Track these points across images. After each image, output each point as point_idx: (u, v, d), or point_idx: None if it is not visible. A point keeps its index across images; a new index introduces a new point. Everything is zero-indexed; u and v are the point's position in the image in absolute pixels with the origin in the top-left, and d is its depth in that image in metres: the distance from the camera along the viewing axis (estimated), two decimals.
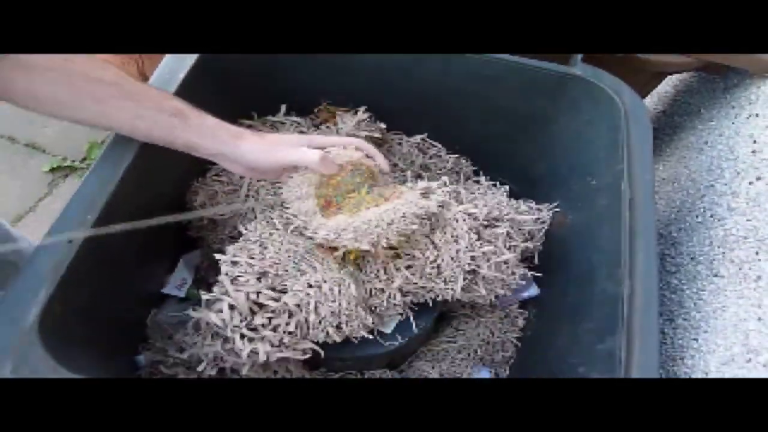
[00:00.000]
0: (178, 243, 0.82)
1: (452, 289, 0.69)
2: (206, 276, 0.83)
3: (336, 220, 0.64)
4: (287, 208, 0.67)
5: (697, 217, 0.83)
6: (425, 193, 0.67)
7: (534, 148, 0.84)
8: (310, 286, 0.64)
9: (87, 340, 0.58)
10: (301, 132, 0.80)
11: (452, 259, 0.69)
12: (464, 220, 0.70)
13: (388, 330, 0.73)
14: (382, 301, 0.69)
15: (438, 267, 0.69)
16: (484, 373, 0.84)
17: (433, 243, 0.69)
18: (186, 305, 0.81)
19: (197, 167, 0.79)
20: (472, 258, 0.69)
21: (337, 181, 0.66)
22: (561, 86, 0.75)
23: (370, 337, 0.69)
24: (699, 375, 0.66)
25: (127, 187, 0.60)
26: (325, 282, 0.64)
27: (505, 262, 0.71)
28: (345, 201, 0.66)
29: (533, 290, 0.83)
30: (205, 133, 0.61)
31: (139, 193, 0.64)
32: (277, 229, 0.69)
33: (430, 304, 0.74)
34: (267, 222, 0.71)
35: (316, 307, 0.63)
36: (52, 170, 1.68)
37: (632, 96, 0.71)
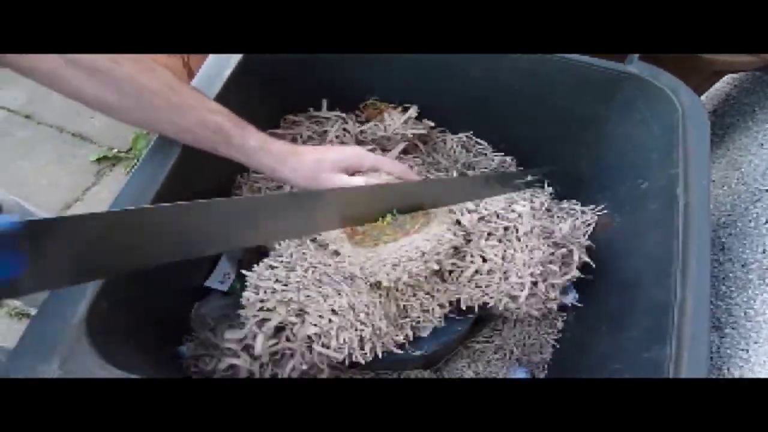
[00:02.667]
0: None
1: (510, 297, 0.69)
2: (249, 269, 0.84)
3: (359, 251, 0.64)
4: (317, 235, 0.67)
5: (749, 222, 0.80)
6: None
7: (582, 148, 0.83)
8: (334, 312, 0.63)
9: (132, 335, 0.60)
10: (345, 130, 0.81)
11: (518, 271, 0.68)
12: (539, 235, 0.70)
13: (424, 334, 0.73)
14: (419, 316, 0.69)
15: (503, 276, 0.69)
16: (521, 374, 0.83)
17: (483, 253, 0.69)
18: (229, 299, 0.83)
19: (239, 165, 0.80)
20: (540, 273, 0.69)
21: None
22: (616, 85, 0.73)
23: (406, 343, 0.69)
24: None
25: (173, 182, 0.61)
26: (352, 308, 0.63)
27: (554, 285, 0.71)
28: (367, 229, 0.65)
29: (572, 296, 0.82)
30: (247, 155, 0.62)
31: (185, 188, 0.65)
32: (309, 249, 0.69)
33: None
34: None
35: (337, 335, 0.62)
36: (99, 160, 1.72)
37: (691, 96, 0.69)
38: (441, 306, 0.71)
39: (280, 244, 0.69)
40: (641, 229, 0.71)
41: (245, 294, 0.65)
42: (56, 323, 0.50)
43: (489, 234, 0.70)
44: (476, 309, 0.72)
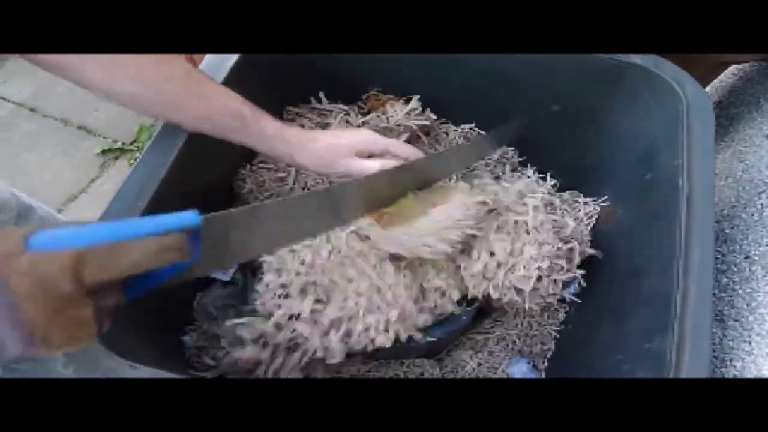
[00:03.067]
0: None
1: (515, 290, 0.69)
2: (252, 261, 0.84)
3: (393, 232, 0.63)
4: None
5: (753, 214, 0.80)
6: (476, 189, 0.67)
7: (585, 139, 0.82)
8: (359, 294, 0.63)
9: (135, 323, 0.60)
10: (348, 122, 0.81)
11: (526, 264, 0.68)
12: (549, 230, 0.70)
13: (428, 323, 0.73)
14: (436, 300, 0.69)
15: (510, 269, 0.69)
16: (523, 365, 0.83)
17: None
18: (231, 289, 0.83)
19: (245, 154, 0.80)
20: (546, 268, 0.69)
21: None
22: (619, 75, 0.72)
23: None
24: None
25: (176, 174, 0.62)
26: (378, 289, 0.64)
27: (556, 281, 0.70)
28: (393, 209, 0.65)
29: (573, 288, 0.82)
30: (263, 142, 0.63)
31: (188, 180, 0.65)
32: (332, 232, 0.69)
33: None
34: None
35: (364, 317, 0.62)
36: (103, 152, 1.73)
37: (695, 87, 0.68)
38: (459, 290, 0.71)
39: None
40: (644, 220, 0.71)
41: (266, 278, 0.65)
42: None
43: (498, 227, 0.70)
44: (480, 299, 0.72)
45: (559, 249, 0.71)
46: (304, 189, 0.77)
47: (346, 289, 0.63)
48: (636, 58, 0.70)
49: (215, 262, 0.45)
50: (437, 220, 0.63)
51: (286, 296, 0.64)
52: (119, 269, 0.34)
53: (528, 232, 0.70)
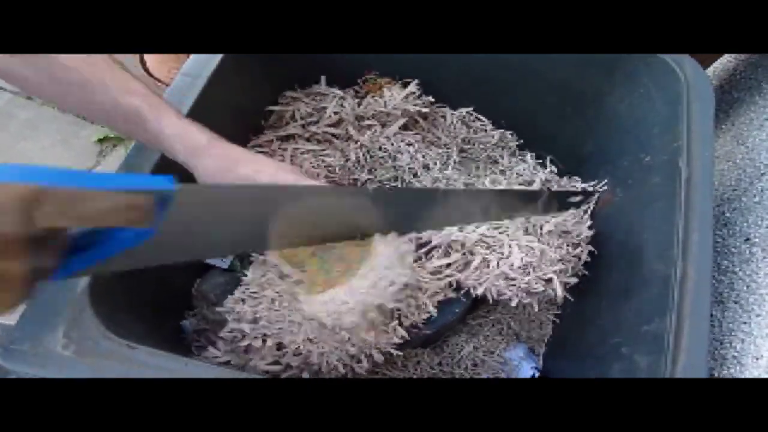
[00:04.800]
0: None
1: (526, 293, 0.69)
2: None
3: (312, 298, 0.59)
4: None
5: (754, 196, 0.80)
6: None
7: (584, 123, 0.82)
8: (310, 341, 0.61)
9: (134, 306, 0.60)
10: (343, 106, 0.80)
11: (542, 266, 0.68)
12: (559, 235, 0.69)
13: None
14: (413, 313, 0.68)
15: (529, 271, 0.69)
16: (521, 350, 0.83)
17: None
18: (229, 275, 0.83)
19: (240, 138, 0.80)
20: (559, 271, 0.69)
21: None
22: (618, 58, 0.72)
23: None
24: (749, 360, 0.64)
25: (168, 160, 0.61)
26: (332, 329, 0.60)
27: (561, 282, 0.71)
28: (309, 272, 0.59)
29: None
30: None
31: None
32: (273, 276, 0.66)
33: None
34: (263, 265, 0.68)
35: (324, 361, 0.60)
36: (101, 140, 1.73)
37: (695, 68, 0.68)
38: (432, 296, 0.70)
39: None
40: (644, 203, 0.70)
41: (226, 330, 0.64)
42: (60, 293, 0.51)
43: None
44: (491, 301, 0.72)
45: (568, 253, 0.71)
46: None
47: (297, 337, 0.60)
48: None
49: (174, 248, 0.40)
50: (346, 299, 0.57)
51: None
52: (79, 216, 0.30)
53: (542, 235, 0.70)
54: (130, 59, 1.88)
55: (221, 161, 0.52)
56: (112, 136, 1.72)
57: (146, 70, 1.83)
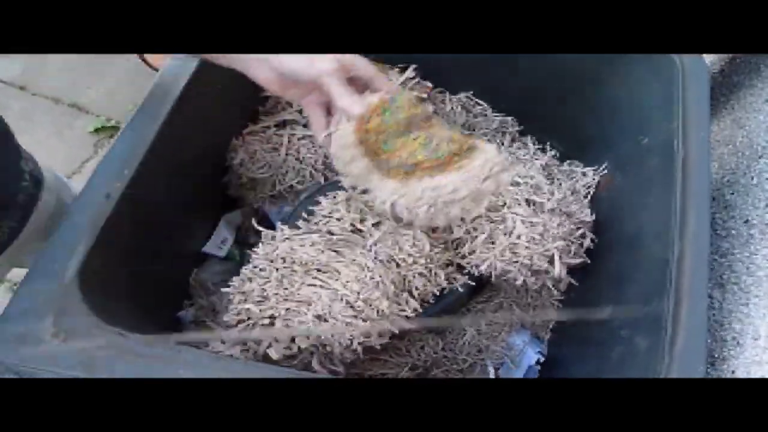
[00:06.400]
0: (219, 202, 0.83)
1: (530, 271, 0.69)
2: (247, 236, 0.84)
3: (392, 185, 0.57)
4: (343, 177, 0.60)
5: (752, 179, 0.79)
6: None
7: (584, 107, 0.81)
8: (319, 317, 0.59)
9: (127, 295, 0.60)
10: None
11: (545, 243, 0.68)
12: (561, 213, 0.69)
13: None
14: (424, 285, 0.67)
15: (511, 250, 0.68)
16: (524, 336, 0.83)
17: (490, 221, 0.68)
18: (227, 264, 0.83)
19: (236, 124, 0.79)
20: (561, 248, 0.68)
21: (377, 124, 0.56)
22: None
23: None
24: (748, 340, 0.64)
25: (164, 143, 0.60)
26: (345, 301, 0.60)
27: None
28: (394, 149, 0.56)
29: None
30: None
31: (177, 149, 0.64)
32: (296, 235, 0.64)
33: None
34: (285, 229, 0.66)
35: (334, 341, 0.59)
36: (97, 131, 1.71)
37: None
38: (443, 268, 0.70)
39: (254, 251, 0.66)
40: (642, 186, 0.70)
41: (226, 317, 0.62)
42: (48, 281, 0.50)
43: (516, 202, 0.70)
44: (492, 277, 0.71)
45: (571, 233, 0.71)
46: (297, 159, 0.76)
47: (306, 317, 0.59)
48: None
49: None
50: (453, 183, 0.55)
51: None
52: None
53: (543, 212, 0.70)
54: None
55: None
56: (108, 126, 1.71)
57: (142, 56, 1.82)
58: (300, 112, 0.79)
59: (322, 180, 0.77)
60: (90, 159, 1.67)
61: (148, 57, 1.81)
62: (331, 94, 0.55)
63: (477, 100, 0.87)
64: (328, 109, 0.60)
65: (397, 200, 0.57)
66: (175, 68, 0.64)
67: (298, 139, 0.77)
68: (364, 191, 0.60)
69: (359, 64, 0.57)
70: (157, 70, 1.77)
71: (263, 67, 0.57)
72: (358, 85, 0.58)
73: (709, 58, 1.18)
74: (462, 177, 0.56)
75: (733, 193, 0.83)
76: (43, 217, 0.68)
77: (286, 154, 0.76)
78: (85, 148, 1.69)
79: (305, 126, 0.79)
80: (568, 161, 0.86)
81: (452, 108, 0.85)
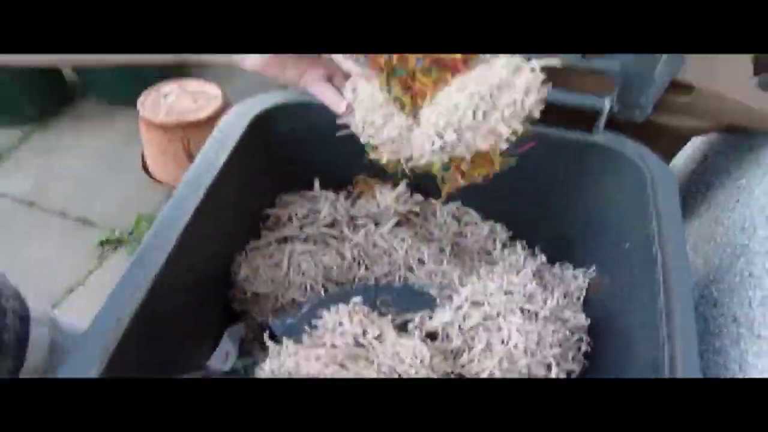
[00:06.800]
0: (224, 316, 0.85)
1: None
2: (251, 348, 0.85)
3: (431, 121, 0.52)
4: (381, 150, 0.56)
5: (735, 276, 0.83)
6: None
7: (566, 212, 0.86)
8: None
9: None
10: (335, 208, 0.85)
11: (541, 351, 0.70)
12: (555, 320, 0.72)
13: None
14: None
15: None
16: None
17: None
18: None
19: (240, 241, 0.83)
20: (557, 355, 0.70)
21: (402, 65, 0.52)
22: (585, 154, 0.77)
23: None
24: None
25: (173, 266, 0.63)
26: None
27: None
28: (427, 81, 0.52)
29: None
30: None
31: (186, 271, 0.67)
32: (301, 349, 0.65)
33: None
34: (289, 345, 0.66)
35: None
36: (102, 243, 1.77)
37: (656, 161, 0.73)
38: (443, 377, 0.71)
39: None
40: (628, 289, 0.73)
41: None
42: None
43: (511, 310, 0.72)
44: None
45: (566, 337, 0.73)
46: (298, 274, 0.80)
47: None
48: (599, 138, 0.75)
49: None
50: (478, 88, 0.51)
51: None
52: None
53: (537, 320, 0.72)
54: (133, 158, 1.96)
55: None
56: (113, 238, 1.77)
57: (146, 170, 1.91)
58: (300, 227, 0.83)
59: (322, 292, 0.80)
60: (95, 270, 1.71)
61: (153, 171, 1.91)
62: (335, 58, 0.54)
63: (466, 209, 0.92)
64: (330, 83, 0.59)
65: (443, 128, 0.51)
66: (185, 194, 0.68)
67: (299, 255, 0.80)
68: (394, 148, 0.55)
69: None
70: (160, 182, 1.87)
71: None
72: None
73: (681, 159, 1.25)
74: (483, 67, 0.52)
75: (720, 291, 0.86)
76: (39, 354, 0.68)
77: (288, 269, 0.80)
78: (90, 260, 1.74)
79: (305, 241, 0.83)
80: (558, 263, 0.90)
81: (444, 220, 0.90)
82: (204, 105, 1.74)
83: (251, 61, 0.55)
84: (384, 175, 0.87)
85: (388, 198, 0.83)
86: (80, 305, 1.59)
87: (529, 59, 0.53)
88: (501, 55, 0.51)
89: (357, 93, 0.55)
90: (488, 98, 0.50)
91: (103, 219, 1.84)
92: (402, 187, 0.85)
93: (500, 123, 0.51)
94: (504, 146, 0.52)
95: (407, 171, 0.57)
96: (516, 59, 0.51)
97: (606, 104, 0.75)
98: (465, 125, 0.50)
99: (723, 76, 0.86)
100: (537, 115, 0.52)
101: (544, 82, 0.53)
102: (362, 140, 0.57)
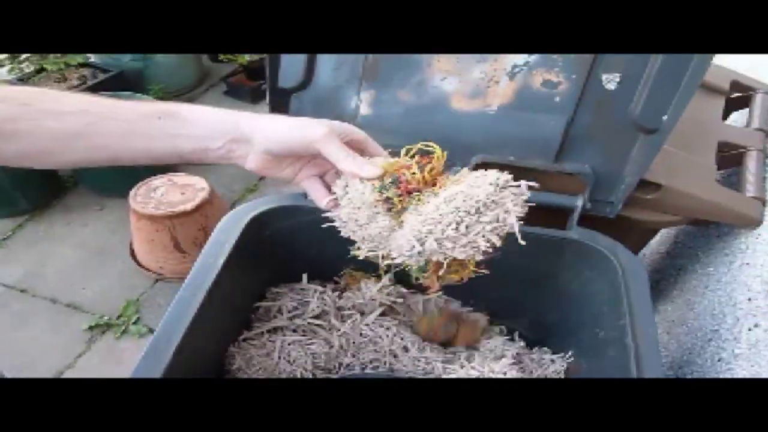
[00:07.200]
0: None
1: None
2: None
3: (411, 224, 0.54)
4: (360, 245, 0.58)
5: (706, 360, 0.86)
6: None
7: (544, 301, 0.90)
8: None
9: None
10: (324, 300, 0.88)
11: None
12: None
13: None
14: None
15: None
16: None
17: None
18: None
19: (233, 332, 0.86)
20: None
21: (407, 177, 0.55)
22: (560, 249, 0.82)
23: None
24: None
25: (178, 363, 0.65)
26: None
27: None
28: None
29: None
30: (207, 120, 0.55)
31: (187, 365, 0.70)
32: None
33: None
34: None
35: None
36: (91, 328, 1.78)
37: (627, 254, 0.78)
38: None
39: None
40: (604, 375, 0.76)
41: None
42: None
43: None
44: None
45: None
46: (288, 362, 0.82)
47: None
48: (573, 233, 0.81)
49: None
50: (456, 199, 0.52)
51: None
52: None
53: None
54: (121, 246, 2.00)
55: (288, 120, 0.56)
56: (102, 323, 1.78)
57: (135, 259, 1.95)
58: (290, 319, 0.87)
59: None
60: (83, 354, 1.71)
61: (141, 259, 1.95)
62: (332, 158, 0.54)
63: (448, 298, 0.96)
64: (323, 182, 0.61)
65: (425, 235, 0.53)
66: (188, 294, 0.71)
67: (289, 344, 0.83)
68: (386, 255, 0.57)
69: (349, 129, 0.57)
70: (149, 269, 1.90)
71: (251, 156, 0.56)
72: (353, 148, 0.57)
73: (655, 242, 1.31)
74: (471, 183, 0.54)
75: (692, 374, 0.89)
76: None
77: (279, 358, 0.82)
78: (79, 344, 1.74)
79: (294, 331, 0.86)
80: (537, 347, 0.93)
81: (425, 307, 0.94)
82: (191, 197, 1.82)
83: (251, 164, 0.57)
84: (369, 268, 0.92)
85: (373, 290, 0.87)
86: None
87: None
88: (490, 172, 0.55)
89: (348, 189, 0.57)
90: (473, 213, 0.52)
91: (92, 304, 1.86)
92: (386, 279, 0.90)
93: (480, 237, 0.52)
94: (479, 258, 0.55)
95: (384, 267, 0.59)
96: (504, 176, 0.54)
97: (578, 203, 0.81)
98: (446, 236, 0.52)
99: (688, 174, 0.93)
100: (516, 230, 0.54)
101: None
102: (343, 234, 0.59)
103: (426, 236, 0.52)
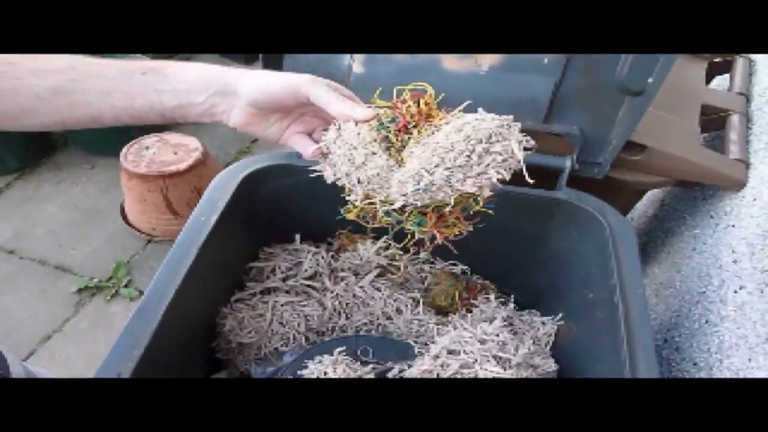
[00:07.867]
0: (206, 367, 0.87)
1: None
2: None
3: (416, 154, 0.53)
4: (354, 189, 0.55)
5: (694, 322, 0.88)
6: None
7: (533, 263, 0.91)
8: None
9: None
10: (317, 261, 0.88)
11: None
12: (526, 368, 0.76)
13: None
14: None
15: None
16: None
17: None
18: None
19: (225, 293, 0.86)
20: None
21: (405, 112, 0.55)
22: (549, 210, 0.83)
23: None
24: None
25: (170, 321, 0.65)
26: None
27: None
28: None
29: None
30: (190, 74, 0.54)
31: (178, 325, 0.70)
32: None
33: None
34: None
35: None
36: (79, 291, 1.76)
37: (616, 215, 0.79)
38: None
39: None
40: (594, 337, 0.77)
41: None
42: None
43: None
44: None
45: None
46: (281, 324, 0.83)
47: None
48: (562, 194, 0.81)
49: None
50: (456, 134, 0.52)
51: None
52: None
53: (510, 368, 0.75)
54: (112, 207, 1.98)
55: (274, 73, 0.54)
56: (91, 285, 1.76)
57: (126, 220, 1.93)
58: (283, 279, 0.87)
59: (303, 340, 0.83)
60: (71, 318, 1.70)
61: (132, 220, 1.93)
62: (322, 101, 0.54)
63: (438, 258, 0.97)
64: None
65: (435, 166, 0.51)
66: (179, 254, 0.71)
67: (281, 305, 0.83)
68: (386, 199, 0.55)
69: (336, 85, 0.56)
70: (139, 231, 1.88)
71: (236, 110, 0.56)
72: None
73: (642, 206, 1.33)
74: (477, 117, 0.53)
75: (680, 336, 0.91)
76: None
77: (271, 320, 0.83)
78: (66, 307, 1.73)
79: (287, 293, 0.86)
80: (527, 310, 0.94)
81: (420, 267, 0.94)
82: (184, 157, 1.79)
83: (235, 119, 0.56)
84: (364, 230, 0.92)
85: (369, 250, 0.87)
86: (57, 352, 1.57)
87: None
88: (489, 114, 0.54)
89: (341, 132, 0.55)
90: (485, 142, 0.51)
91: (81, 266, 1.84)
92: (382, 241, 0.90)
93: (491, 169, 0.52)
94: (488, 194, 0.54)
95: (380, 215, 0.57)
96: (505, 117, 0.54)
97: (567, 163, 0.82)
98: (459, 163, 0.51)
99: (673, 136, 0.94)
100: (523, 166, 0.53)
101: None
102: (333, 179, 0.57)
103: (435, 167, 0.51)
